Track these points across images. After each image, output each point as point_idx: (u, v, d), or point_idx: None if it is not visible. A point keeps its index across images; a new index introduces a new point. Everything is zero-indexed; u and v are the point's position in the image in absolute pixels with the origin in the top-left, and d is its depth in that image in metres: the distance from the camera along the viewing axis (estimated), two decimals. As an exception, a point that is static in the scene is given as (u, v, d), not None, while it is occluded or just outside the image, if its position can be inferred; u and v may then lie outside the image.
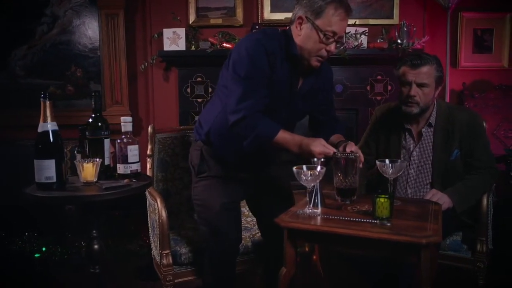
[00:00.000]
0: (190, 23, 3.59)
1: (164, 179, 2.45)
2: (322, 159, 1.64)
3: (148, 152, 2.38)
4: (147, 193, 2.24)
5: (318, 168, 1.56)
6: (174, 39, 3.43)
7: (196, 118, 3.46)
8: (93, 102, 1.90)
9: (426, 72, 2.03)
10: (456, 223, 2.10)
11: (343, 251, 1.94)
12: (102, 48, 3.62)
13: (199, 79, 3.58)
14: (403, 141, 2.19)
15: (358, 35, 3.40)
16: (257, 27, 3.38)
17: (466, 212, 2.08)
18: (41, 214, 3.09)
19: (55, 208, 3.11)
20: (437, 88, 2.10)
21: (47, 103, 1.70)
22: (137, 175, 1.87)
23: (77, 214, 3.08)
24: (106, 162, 1.89)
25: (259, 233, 2.20)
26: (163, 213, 2.03)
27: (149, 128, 2.39)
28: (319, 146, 1.64)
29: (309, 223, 1.54)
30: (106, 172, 1.88)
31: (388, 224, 1.47)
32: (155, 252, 2.22)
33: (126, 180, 1.81)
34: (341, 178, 1.69)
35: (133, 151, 1.86)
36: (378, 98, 3.60)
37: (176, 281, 2.07)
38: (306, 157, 1.66)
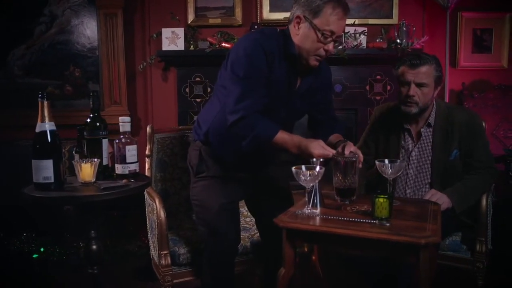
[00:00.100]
0: (189, 22, 3.58)
1: (162, 179, 2.44)
2: (321, 159, 1.63)
3: (147, 152, 2.38)
4: (145, 193, 2.24)
5: (317, 168, 1.56)
6: (172, 39, 3.42)
7: (195, 118, 3.45)
8: (91, 102, 1.89)
9: (425, 72, 2.03)
10: (455, 223, 2.10)
11: (342, 252, 1.94)
12: (100, 48, 3.61)
13: (197, 79, 3.58)
14: (402, 141, 2.19)
15: (357, 35, 3.40)
16: (256, 27, 3.38)
17: (465, 212, 2.08)
18: (40, 215, 3.08)
19: (53, 208, 3.10)
20: (436, 88, 2.10)
21: (45, 103, 1.70)
22: (135, 175, 1.86)
23: (75, 215, 3.07)
24: (104, 162, 1.88)
25: (258, 234, 2.20)
26: (162, 214, 2.02)
27: (148, 128, 2.39)
28: (318, 147, 1.64)
29: (308, 223, 1.54)
30: (104, 172, 1.88)
31: (387, 224, 1.47)
32: (153, 252, 2.21)
33: (124, 180, 1.80)
34: (340, 178, 1.69)
35: (131, 151, 1.85)
36: (378, 98, 3.60)
37: (174, 281, 2.07)
38: (305, 158, 1.65)
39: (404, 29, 3.38)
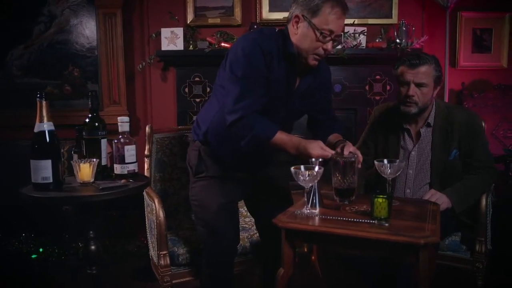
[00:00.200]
0: (188, 22, 3.58)
1: (162, 179, 2.44)
2: (320, 159, 1.63)
3: (146, 152, 2.38)
4: (144, 193, 2.23)
5: (316, 168, 1.55)
6: (172, 39, 3.42)
7: (194, 118, 3.45)
8: (89, 102, 1.89)
9: (424, 72, 2.02)
10: (455, 223, 2.10)
11: (341, 252, 1.94)
12: (99, 47, 3.61)
13: (197, 78, 3.57)
14: (401, 141, 2.19)
15: (357, 35, 3.40)
16: (255, 26, 3.37)
17: (465, 212, 2.08)
18: (39, 215, 3.08)
19: (52, 208, 3.10)
20: (436, 88, 2.09)
21: (44, 103, 1.70)
22: (134, 176, 1.86)
23: (74, 215, 3.07)
24: (103, 162, 1.88)
25: (257, 234, 2.19)
26: (161, 214, 2.02)
27: (147, 128, 2.38)
28: (317, 148, 1.64)
29: (307, 223, 1.54)
30: (103, 173, 1.88)
31: (386, 225, 1.46)
32: (152, 252, 2.21)
33: (123, 181, 1.80)
34: (339, 178, 1.69)
35: (130, 151, 1.85)
36: (377, 98, 3.60)
37: (173, 282, 2.06)
38: (303, 159, 1.65)
39: (404, 29, 3.38)
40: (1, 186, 2.96)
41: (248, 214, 2.30)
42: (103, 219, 3.04)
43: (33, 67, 3.63)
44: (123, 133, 1.87)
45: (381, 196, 1.48)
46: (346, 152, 1.70)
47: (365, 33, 3.41)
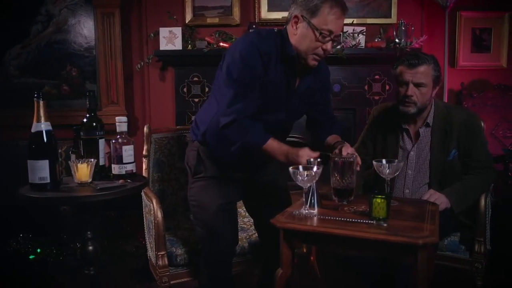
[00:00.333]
0: (186, 22, 3.57)
1: (160, 179, 2.44)
2: (319, 159, 1.64)
3: (144, 152, 2.37)
4: (142, 193, 2.23)
5: (315, 168, 1.55)
6: (170, 39, 3.41)
7: (193, 118, 3.44)
8: (87, 102, 1.88)
9: (423, 72, 2.02)
10: (454, 223, 2.09)
11: (339, 252, 1.93)
12: (97, 47, 3.60)
13: (195, 78, 3.57)
14: (400, 141, 2.18)
15: (356, 35, 3.39)
16: (254, 26, 3.36)
17: (464, 213, 2.07)
18: (37, 215, 3.07)
19: (50, 209, 3.09)
20: (435, 87, 2.09)
21: (41, 103, 1.69)
22: (132, 176, 1.85)
23: (72, 215, 3.06)
24: (101, 162, 1.87)
25: (256, 234, 2.19)
26: (159, 214, 2.02)
27: (145, 128, 2.38)
28: (305, 156, 1.64)
29: (305, 223, 1.53)
30: (101, 173, 1.87)
31: (385, 225, 1.46)
32: (150, 253, 2.20)
33: (121, 181, 1.80)
34: (338, 178, 1.69)
35: (128, 152, 1.84)
36: (376, 97, 3.59)
37: (172, 282, 2.06)
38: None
39: (403, 28, 3.37)
40: (0, 186, 2.95)
41: (247, 214, 2.30)
42: (101, 219, 3.04)
43: (30, 67, 3.62)
44: (121, 133, 1.86)
45: (380, 196, 1.48)
46: (344, 154, 1.70)
47: (364, 33, 3.41)
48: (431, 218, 1.55)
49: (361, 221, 1.51)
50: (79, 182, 1.75)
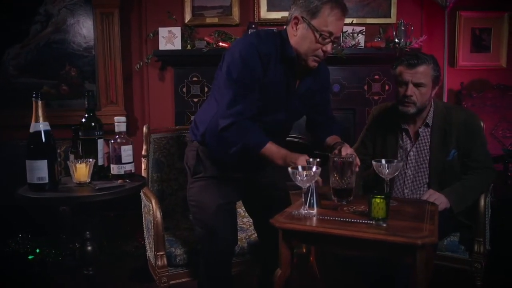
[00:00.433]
0: (186, 22, 3.56)
1: (159, 179, 2.43)
2: (318, 160, 1.63)
3: (143, 152, 2.37)
4: (142, 194, 2.22)
5: (314, 168, 1.55)
6: (169, 38, 3.40)
7: (192, 118, 3.44)
8: (86, 102, 1.88)
9: (422, 72, 2.02)
10: (453, 223, 2.09)
11: (338, 252, 1.93)
12: (96, 47, 3.59)
13: (195, 78, 3.56)
14: (400, 141, 2.18)
15: (355, 34, 3.39)
16: (253, 26, 3.36)
17: (463, 213, 2.07)
18: (35, 215, 3.07)
19: (49, 209, 3.09)
20: (434, 87, 2.09)
21: (39, 102, 1.69)
22: (131, 176, 1.85)
23: (71, 215, 3.06)
24: (100, 162, 1.87)
25: (255, 234, 2.19)
26: (158, 214, 2.01)
27: (144, 128, 2.38)
28: (303, 161, 1.64)
29: (304, 224, 1.53)
30: (99, 173, 1.87)
31: (384, 225, 1.46)
32: (149, 253, 2.20)
33: (119, 181, 1.80)
34: (337, 178, 1.69)
35: (127, 152, 1.84)
36: (376, 97, 3.58)
37: (171, 282, 2.06)
38: None
39: (402, 28, 3.37)
40: (-1, 186, 2.95)
41: (246, 214, 2.29)
42: (100, 219, 3.04)
43: (29, 67, 3.61)
44: (119, 133, 1.86)
45: (379, 196, 1.48)
46: (343, 154, 1.70)
47: (364, 33, 3.40)
48: (430, 218, 1.55)
49: (360, 221, 1.51)
50: (78, 182, 1.75)
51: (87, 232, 1.84)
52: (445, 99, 3.50)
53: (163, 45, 3.41)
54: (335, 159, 1.69)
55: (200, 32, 3.55)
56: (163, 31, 3.41)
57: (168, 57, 3.53)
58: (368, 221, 1.49)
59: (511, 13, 3.62)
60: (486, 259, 2.09)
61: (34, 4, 3.56)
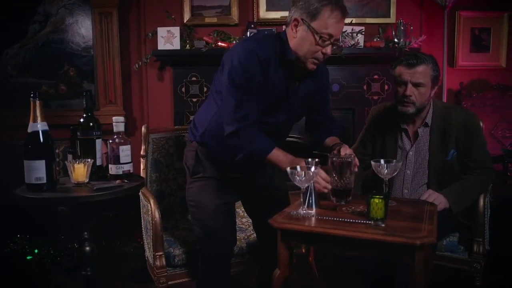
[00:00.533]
0: (184, 21, 3.56)
1: (158, 179, 2.43)
2: (317, 159, 1.64)
3: (142, 152, 2.36)
4: (140, 194, 2.22)
5: (312, 168, 1.54)
6: (168, 38, 3.40)
7: (191, 118, 3.44)
8: (84, 102, 1.87)
9: (422, 72, 2.01)
10: (452, 224, 2.09)
11: (337, 252, 1.92)
12: (95, 47, 3.59)
13: (194, 78, 3.55)
14: (399, 141, 2.18)
15: (355, 34, 3.38)
16: (252, 26, 3.35)
17: (462, 213, 2.07)
18: (34, 216, 3.06)
19: (47, 209, 3.08)
20: (433, 87, 2.08)
21: (37, 102, 1.68)
22: (129, 176, 1.84)
23: (69, 216, 3.05)
24: (98, 162, 1.86)
25: (254, 234, 2.19)
26: (156, 214, 2.01)
27: (143, 128, 2.37)
28: None
29: (303, 224, 1.53)
30: (98, 173, 1.86)
31: (383, 225, 1.46)
32: (148, 253, 2.19)
33: (118, 181, 1.79)
34: (336, 178, 1.69)
35: (125, 152, 1.83)
36: (375, 97, 3.58)
37: (169, 283, 2.05)
38: None
39: (402, 28, 3.36)
40: (-1, 186, 2.94)
41: (245, 214, 2.29)
42: (99, 220, 3.04)
43: (28, 67, 3.61)
44: (118, 133, 1.85)
45: (378, 196, 1.47)
46: (342, 154, 1.70)
47: (363, 33, 3.40)
48: (429, 218, 1.55)
49: (359, 221, 1.50)
50: (76, 182, 1.74)
51: (86, 233, 1.84)
52: (444, 99, 3.50)
53: (162, 45, 3.41)
54: (334, 159, 1.69)
55: (199, 32, 3.55)
56: (162, 31, 3.40)
57: (167, 57, 3.52)
58: (367, 221, 1.49)
59: (511, 13, 3.62)
60: (486, 259, 2.09)
61: (33, 3, 3.55)
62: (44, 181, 1.66)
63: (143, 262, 2.41)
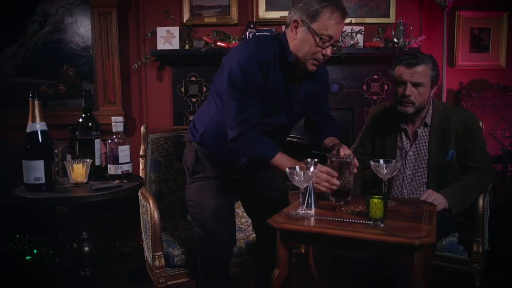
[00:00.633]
0: (184, 21, 3.55)
1: (157, 180, 2.43)
2: (316, 159, 1.63)
3: (141, 152, 2.36)
4: (139, 194, 2.22)
5: (311, 168, 1.54)
6: (167, 38, 3.39)
7: (191, 118, 3.43)
8: (83, 102, 1.87)
9: (421, 72, 2.01)
10: (452, 224, 2.09)
11: (336, 253, 1.92)
12: (94, 46, 3.58)
13: (193, 78, 3.55)
14: (398, 141, 2.17)
15: (354, 34, 3.38)
16: (252, 25, 3.35)
17: (462, 213, 2.07)
18: (33, 216, 3.06)
19: (46, 209, 3.08)
20: (433, 87, 2.08)
21: (36, 102, 1.68)
22: (128, 176, 1.84)
23: (68, 216, 3.05)
24: (97, 162, 1.86)
25: (253, 235, 2.19)
26: (155, 214, 2.01)
27: (142, 128, 2.37)
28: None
29: (302, 224, 1.53)
30: (97, 173, 1.86)
31: (382, 225, 1.46)
32: (147, 254, 2.19)
33: (116, 181, 1.79)
34: (335, 178, 1.68)
35: (124, 152, 1.83)
36: (375, 97, 3.58)
37: (168, 283, 2.05)
38: None
39: (401, 28, 3.36)
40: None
41: (245, 214, 2.29)
42: (98, 220, 3.03)
43: (27, 67, 3.60)
44: (117, 133, 1.85)
45: (377, 196, 1.47)
46: (341, 154, 1.70)
47: (363, 33, 3.40)
48: (428, 218, 1.55)
49: (358, 221, 1.50)
50: (75, 182, 1.74)
51: (85, 233, 1.84)
52: (444, 99, 3.50)
53: (161, 45, 3.40)
54: (333, 159, 1.69)
55: (198, 32, 3.55)
56: (161, 31, 3.40)
57: (166, 57, 3.52)
58: (366, 222, 1.49)
59: (511, 13, 3.63)
60: (485, 259, 2.09)
61: (32, 3, 3.55)
62: (43, 181, 1.66)
63: (142, 262, 2.41)
